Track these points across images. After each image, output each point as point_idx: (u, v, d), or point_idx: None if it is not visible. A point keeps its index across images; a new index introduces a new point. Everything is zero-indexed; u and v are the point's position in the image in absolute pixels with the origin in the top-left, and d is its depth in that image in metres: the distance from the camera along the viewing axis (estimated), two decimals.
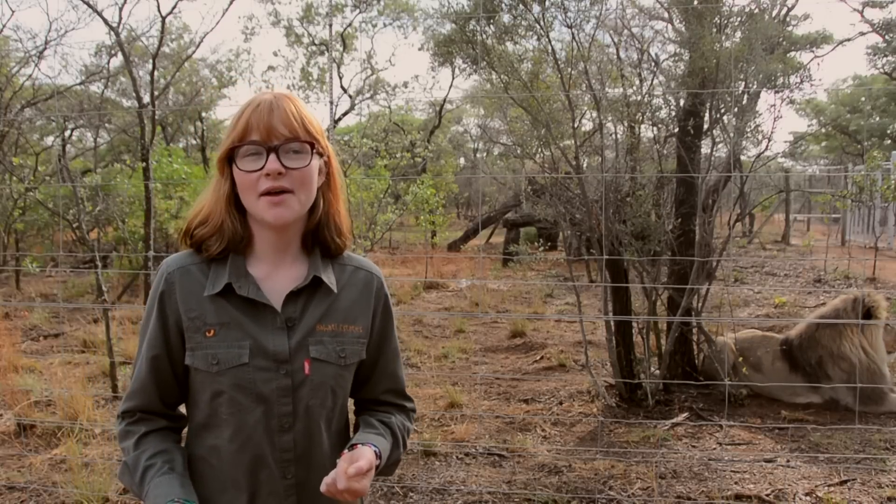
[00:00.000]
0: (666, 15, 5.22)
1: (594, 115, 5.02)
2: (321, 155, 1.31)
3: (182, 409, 1.38)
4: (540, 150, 5.46)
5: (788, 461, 3.87)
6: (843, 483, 3.57)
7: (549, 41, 4.65)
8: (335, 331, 1.32)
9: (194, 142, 20.02)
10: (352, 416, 1.48)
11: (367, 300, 1.39)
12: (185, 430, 1.38)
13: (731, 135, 4.64)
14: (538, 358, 6.32)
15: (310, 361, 1.29)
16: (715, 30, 4.56)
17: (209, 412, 1.29)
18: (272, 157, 1.22)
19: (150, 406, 1.32)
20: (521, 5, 4.72)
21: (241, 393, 1.26)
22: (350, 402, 1.47)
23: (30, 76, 11.43)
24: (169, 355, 1.30)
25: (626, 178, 4.94)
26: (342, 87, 17.64)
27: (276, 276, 1.32)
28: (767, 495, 3.43)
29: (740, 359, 4.98)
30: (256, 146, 1.23)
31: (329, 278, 1.34)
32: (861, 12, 15.13)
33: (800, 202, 22.81)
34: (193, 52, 13.73)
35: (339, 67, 17.45)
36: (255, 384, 1.26)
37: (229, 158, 1.27)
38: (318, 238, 1.36)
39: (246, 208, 1.29)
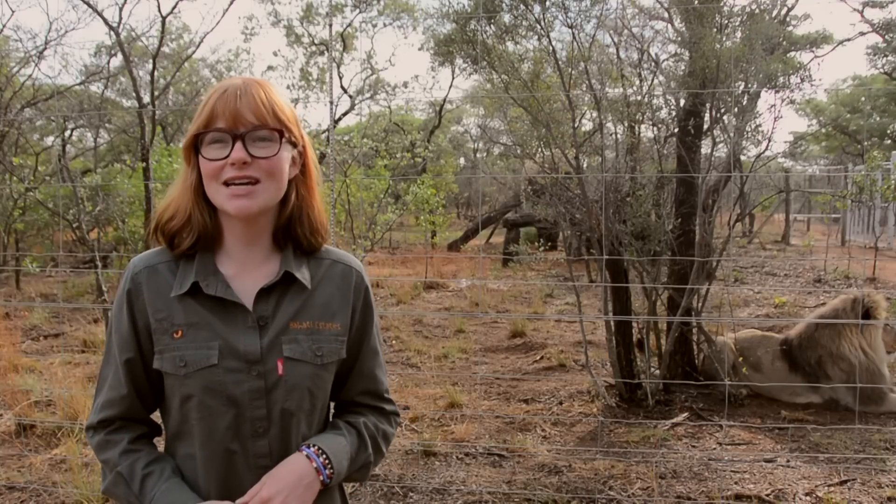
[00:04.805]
0: (666, 15, 5.22)
1: (594, 115, 5.02)
2: (294, 145, 1.24)
3: (158, 418, 1.33)
4: (540, 150, 5.46)
5: (788, 461, 3.87)
6: (843, 483, 3.57)
7: (550, 41, 4.65)
8: (311, 328, 1.25)
9: None
10: None
11: (346, 295, 1.31)
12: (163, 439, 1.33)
13: (732, 135, 4.65)
14: (538, 358, 6.32)
15: (283, 361, 1.21)
16: (715, 30, 4.56)
17: (180, 419, 1.23)
18: (238, 145, 1.16)
19: (130, 413, 1.25)
20: (521, 5, 4.72)
21: (211, 396, 1.19)
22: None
23: (30, 76, 11.46)
24: (142, 358, 1.24)
25: (626, 178, 4.94)
26: (342, 87, 17.66)
27: (246, 273, 1.25)
28: (767, 495, 3.43)
29: (740, 359, 4.98)
30: (222, 133, 1.17)
31: (302, 274, 1.27)
32: (861, 12, 15.16)
33: (800, 202, 22.82)
34: (193, 52, 13.77)
35: (339, 67, 17.46)
36: (225, 386, 1.19)
37: (195, 146, 1.20)
38: (290, 234, 1.28)
39: (210, 199, 1.22)
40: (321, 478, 1.21)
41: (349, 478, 1.31)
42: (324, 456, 1.22)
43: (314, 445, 1.23)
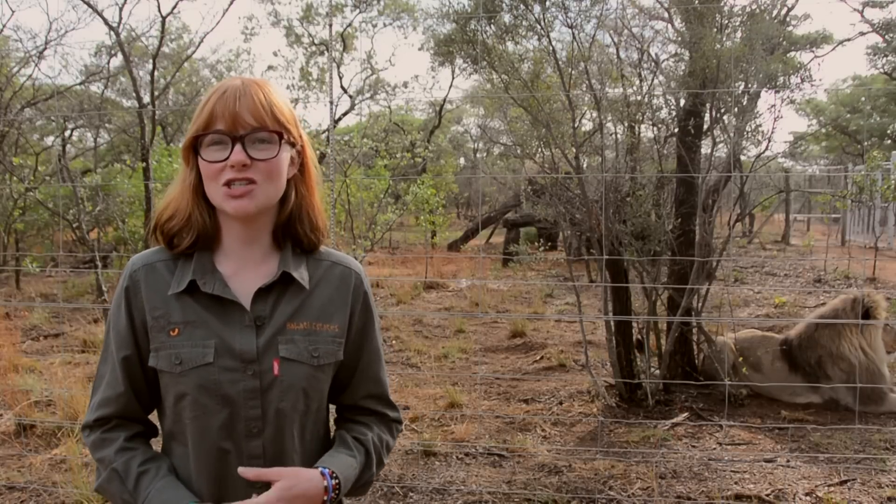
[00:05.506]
0: (666, 15, 5.22)
1: (594, 115, 5.02)
2: (293, 145, 1.25)
3: (155, 420, 1.32)
4: (540, 150, 5.46)
5: (788, 461, 3.87)
6: (843, 483, 3.57)
7: (550, 41, 4.65)
8: (308, 329, 1.25)
9: None
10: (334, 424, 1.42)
11: (344, 297, 1.31)
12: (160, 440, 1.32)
13: (732, 135, 4.65)
14: (538, 358, 6.32)
15: (279, 361, 1.21)
16: (715, 30, 4.56)
17: (174, 418, 1.22)
18: (237, 147, 1.16)
19: (126, 411, 1.25)
20: (521, 5, 4.72)
21: (206, 395, 1.18)
22: (333, 409, 1.40)
23: (30, 76, 11.46)
24: (139, 356, 1.23)
25: (626, 178, 4.94)
26: (342, 87, 17.65)
27: (244, 272, 1.25)
28: (767, 495, 3.43)
29: (740, 359, 4.98)
30: (221, 135, 1.17)
31: (301, 274, 1.26)
32: (861, 12, 15.16)
33: (800, 202, 22.83)
34: (193, 52, 13.78)
35: (339, 67, 17.45)
36: (220, 385, 1.18)
37: (195, 148, 1.20)
38: (290, 233, 1.28)
39: (209, 199, 1.22)
40: None
41: (349, 493, 1.30)
42: (337, 491, 1.22)
43: (336, 477, 1.22)
